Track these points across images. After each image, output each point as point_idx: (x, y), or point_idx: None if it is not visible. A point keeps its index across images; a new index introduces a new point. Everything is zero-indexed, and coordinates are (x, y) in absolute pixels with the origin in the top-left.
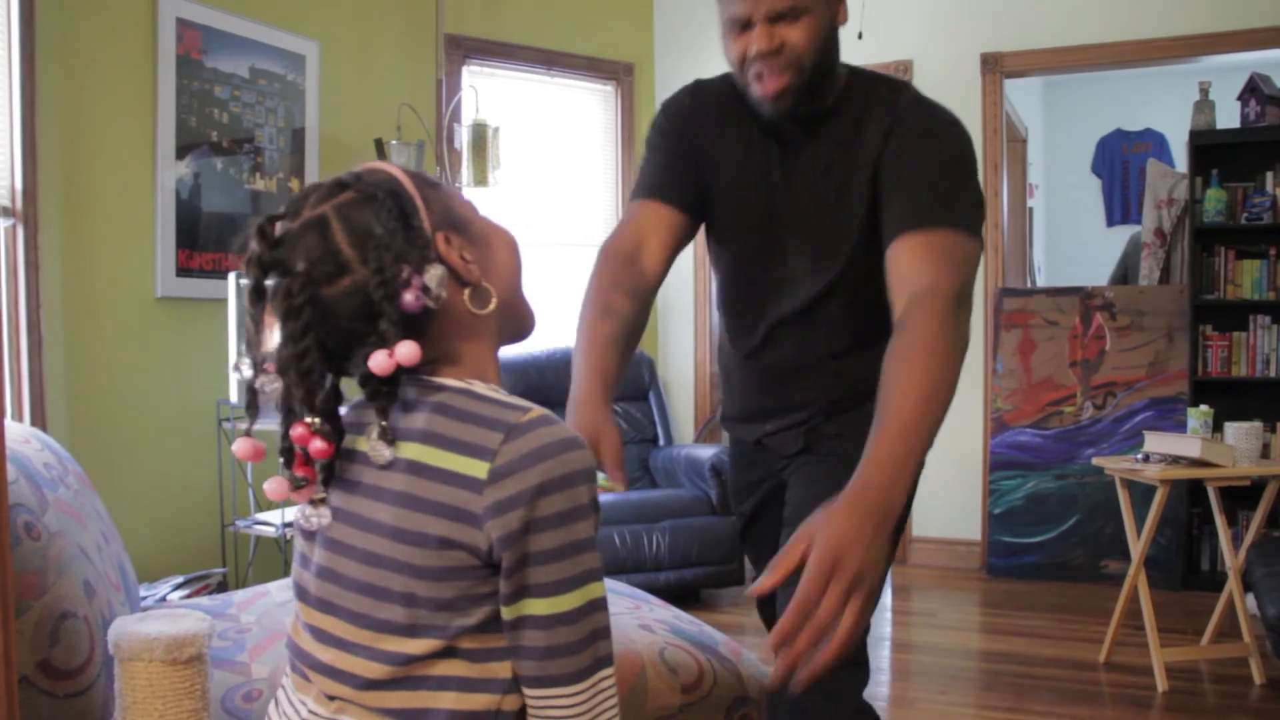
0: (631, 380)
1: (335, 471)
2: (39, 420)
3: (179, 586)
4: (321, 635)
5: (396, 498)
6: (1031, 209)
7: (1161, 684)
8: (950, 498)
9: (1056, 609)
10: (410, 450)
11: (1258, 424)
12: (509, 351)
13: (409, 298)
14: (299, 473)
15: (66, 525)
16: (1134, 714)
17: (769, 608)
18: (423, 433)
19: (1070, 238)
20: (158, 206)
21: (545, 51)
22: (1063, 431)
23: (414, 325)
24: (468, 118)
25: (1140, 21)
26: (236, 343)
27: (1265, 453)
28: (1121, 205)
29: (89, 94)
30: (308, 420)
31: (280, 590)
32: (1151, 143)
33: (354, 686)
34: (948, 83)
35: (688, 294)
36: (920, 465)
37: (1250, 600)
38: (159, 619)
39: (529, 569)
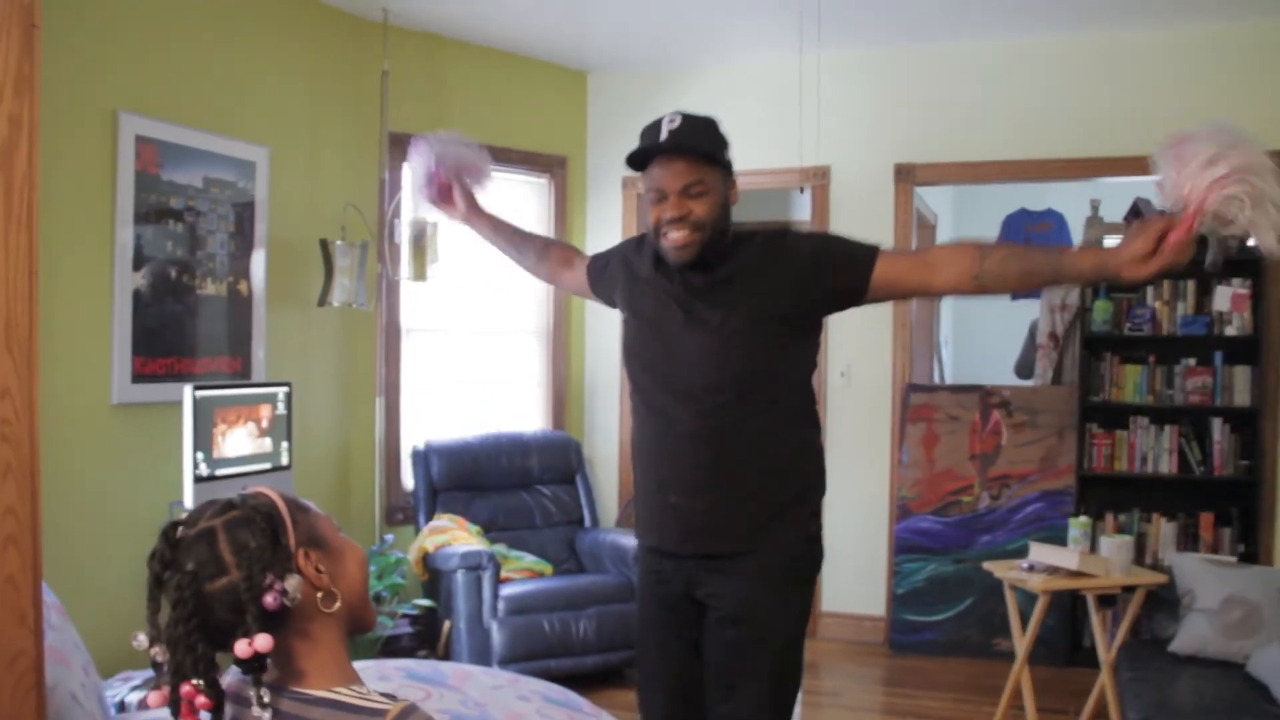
0: (559, 463)
1: None
2: None
3: (136, 687)
4: None
5: None
6: None
7: None
8: (858, 577)
9: (953, 687)
10: None
11: (1129, 539)
12: (448, 437)
13: (269, 599)
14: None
15: (60, 676)
16: None
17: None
18: None
19: (976, 310)
20: (115, 317)
21: (484, 146)
22: (961, 519)
23: (275, 619)
24: (409, 214)
25: (1039, 143)
26: (191, 446)
27: (1141, 547)
28: None
29: (49, 208)
30: (194, 682)
31: None
32: (1052, 222)
33: None
34: (863, 187)
35: (613, 375)
36: None
37: None
38: None
39: None
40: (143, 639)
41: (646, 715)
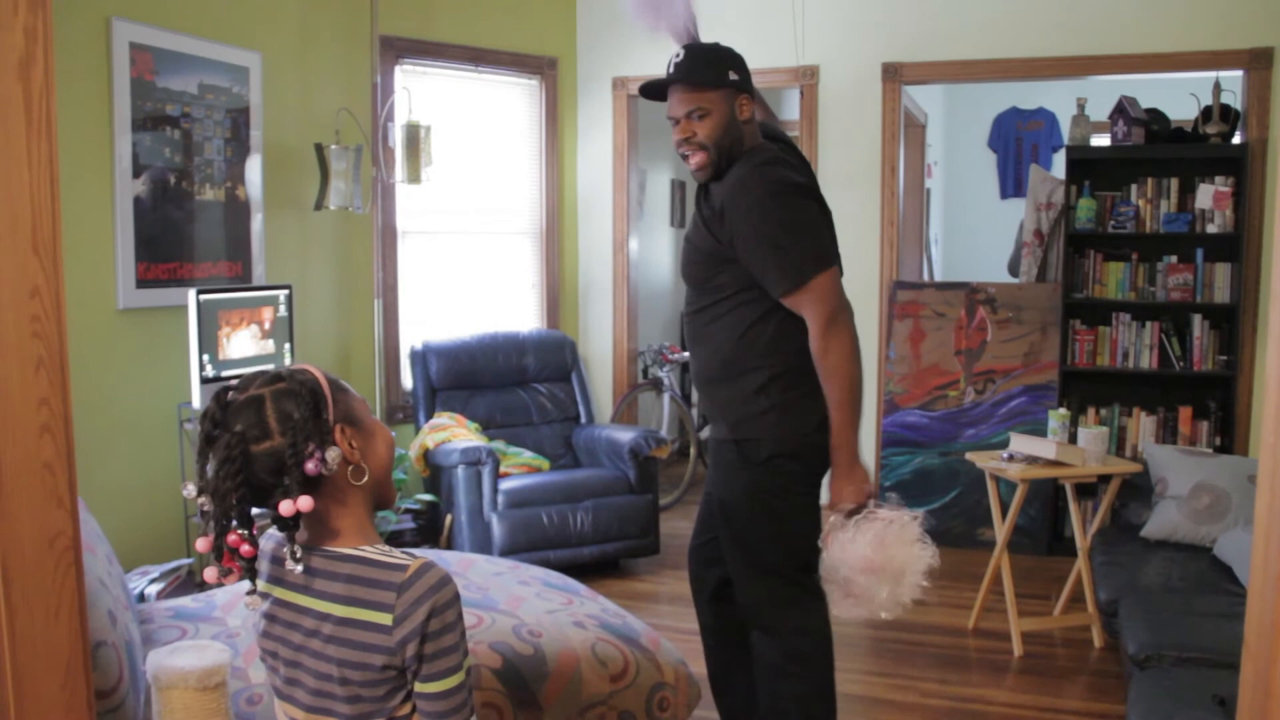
0: (554, 361)
1: (267, 603)
2: None
3: (154, 580)
4: None
5: (336, 642)
6: (929, 190)
7: (1018, 649)
8: None
9: (938, 575)
10: (338, 609)
11: (1104, 430)
12: (446, 338)
13: (310, 465)
14: (226, 565)
15: (89, 562)
16: (994, 677)
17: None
18: (345, 597)
19: (966, 208)
20: (117, 224)
21: (473, 49)
22: (947, 413)
23: (312, 484)
24: (401, 116)
25: (1027, 41)
26: (197, 348)
27: (1121, 440)
28: (1014, 179)
29: None
30: (240, 531)
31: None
32: (1043, 121)
33: None
34: (851, 88)
35: (606, 274)
36: (857, 418)
37: None
38: (187, 651)
39: (421, 665)
40: (191, 489)
41: None
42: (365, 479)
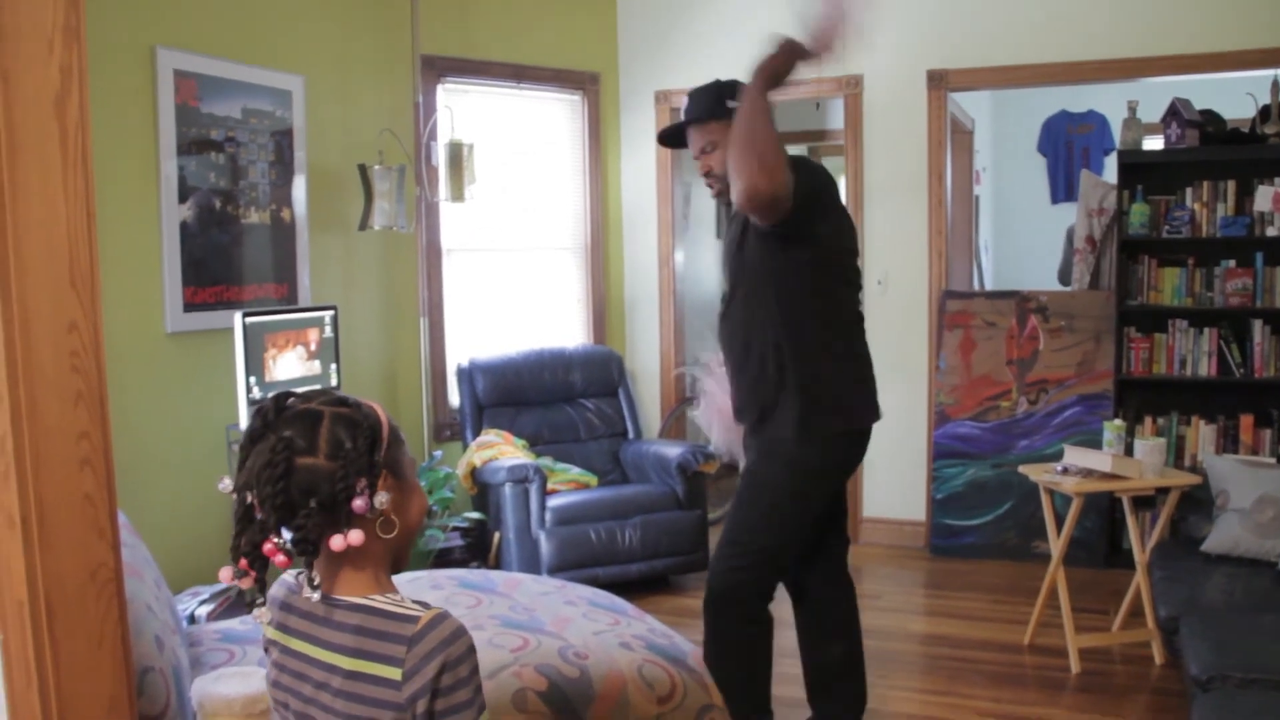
0: (601, 377)
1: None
2: None
3: (204, 601)
4: None
5: (345, 696)
6: (978, 197)
7: (1075, 666)
8: (898, 482)
9: (991, 589)
10: (346, 663)
11: (1162, 441)
12: (492, 355)
13: (359, 503)
14: (242, 566)
15: (135, 588)
16: (1050, 695)
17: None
18: (353, 649)
19: (1016, 215)
20: (164, 249)
21: (515, 66)
22: (999, 424)
23: (339, 521)
24: (444, 135)
25: (1074, 44)
26: (243, 371)
27: (1180, 450)
28: (1065, 183)
29: (95, 146)
30: (275, 540)
31: None
32: (1094, 124)
33: None
34: (896, 96)
35: (653, 289)
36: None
37: None
38: (231, 678)
39: None
40: (228, 482)
41: None
42: (393, 534)
